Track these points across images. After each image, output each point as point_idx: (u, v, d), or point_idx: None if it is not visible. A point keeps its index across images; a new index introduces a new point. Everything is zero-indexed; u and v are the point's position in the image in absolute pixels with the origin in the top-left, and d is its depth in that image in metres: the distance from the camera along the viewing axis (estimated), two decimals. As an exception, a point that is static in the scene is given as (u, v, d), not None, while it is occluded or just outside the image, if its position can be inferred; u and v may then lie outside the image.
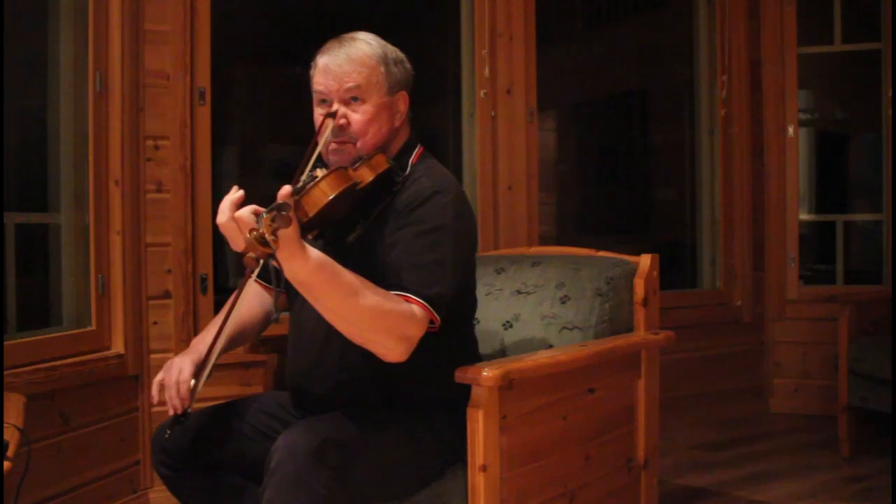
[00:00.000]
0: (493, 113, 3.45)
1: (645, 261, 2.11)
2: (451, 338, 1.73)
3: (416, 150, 1.77)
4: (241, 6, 3.65)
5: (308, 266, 1.37)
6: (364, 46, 1.69)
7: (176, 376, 1.65)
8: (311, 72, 1.72)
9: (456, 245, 1.63)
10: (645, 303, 2.08)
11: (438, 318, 1.57)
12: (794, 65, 4.09)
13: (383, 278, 1.55)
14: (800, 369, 4.08)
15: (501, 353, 2.12)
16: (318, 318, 1.50)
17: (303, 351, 1.77)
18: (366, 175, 1.61)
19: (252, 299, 1.89)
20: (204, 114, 2.86)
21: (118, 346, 2.67)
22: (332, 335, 1.55)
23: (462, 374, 1.58)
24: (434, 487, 1.66)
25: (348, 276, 1.45)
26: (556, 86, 4.68)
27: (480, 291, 1.91)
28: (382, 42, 1.72)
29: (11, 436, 1.60)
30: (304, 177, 1.57)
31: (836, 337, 3.28)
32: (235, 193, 1.39)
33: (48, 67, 2.65)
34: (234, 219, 1.35)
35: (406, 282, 1.55)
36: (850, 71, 4.40)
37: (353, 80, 1.65)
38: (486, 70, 3.43)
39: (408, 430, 1.65)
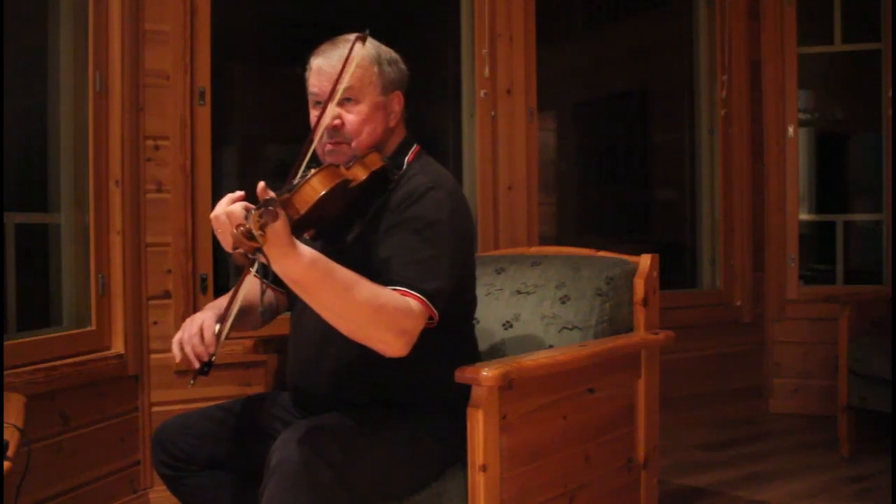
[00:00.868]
0: (493, 113, 3.45)
1: (645, 261, 2.11)
2: (451, 337, 1.73)
3: (413, 149, 1.78)
4: (241, 6, 3.65)
5: (300, 263, 1.37)
6: (357, 47, 1.69)
7: (198, 328, 1.64)
8: (306, 73, 1.73)
9: (452, 240, 1.63)
10: (645, 303, 2.08)
11: (437, 312, 1.56)
12: (794, 65, 4.10)
13: (380, 274, 1.55)
14: (800, 369, 4.08)
15: (501, 353, 2.12)
16: (319, 319, 1.50)
17: (303, 351, 1.77)
18: (359, 173, 1.61)
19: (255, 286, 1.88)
20: (204, 114, 2.86)
21: (118, 346, 2.67)
22: (332, 335, 1.55)
23: (462, 374, 1.58)
24: (434, 487, 1.66)
25: (342, 273, 1.45)
26: (556, 86, 4.68)
27: (480, 291, 1.91)
28: (376, 43, 1.73)
29: (11, 436, 1.60)
30: (297, 177, 1.57)
31: (836, 337, 3.28)
32: (236, 193, 1.40)
33: (48, 67, 2.65)
34: (226, 213, 1.36)
35: (402, 276, 1.54)
36: (850, 71, 4.40)
37: (347, 80, 1.65)
38: (486, 70, 3.43)
39: (408, 430, 1.65)
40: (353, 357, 1.63)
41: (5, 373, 2.15)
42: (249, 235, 1.26)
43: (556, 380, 1.76)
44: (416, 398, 1.70)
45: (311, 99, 1.73)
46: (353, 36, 1.67)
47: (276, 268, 1.37)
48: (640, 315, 2.09)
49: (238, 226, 1.28)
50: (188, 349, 1.63)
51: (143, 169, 2.75)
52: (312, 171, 1.53)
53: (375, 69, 1.69)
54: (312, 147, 1.62)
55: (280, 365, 2.13)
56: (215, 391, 2.75)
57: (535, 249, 2.57)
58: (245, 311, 1.81)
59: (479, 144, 3.44)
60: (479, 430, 1.57)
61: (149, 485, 2.77)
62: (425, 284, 1.55)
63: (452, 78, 3.60)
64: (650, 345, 2.06)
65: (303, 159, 1.59)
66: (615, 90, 5.11)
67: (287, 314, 1.91)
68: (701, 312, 4.02)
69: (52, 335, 2.50)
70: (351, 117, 1.67)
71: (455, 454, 1.65)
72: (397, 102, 1.75)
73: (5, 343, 2.25)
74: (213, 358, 1.62)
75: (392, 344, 1.51)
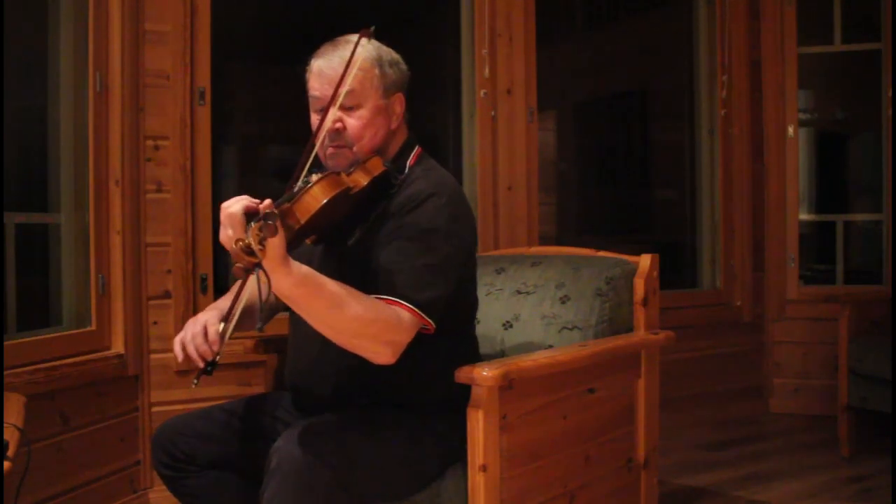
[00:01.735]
0: (493, 113, 3.45)
1: (645, 261, 2.11)
2: (452, 338, 1.73)
3: (414, 151, 1.76)
4: (241, 6, 3.65)
5: (290, 280, 1.37)
6: (358, 49, 1.67)
7: (201, 328, 1.62)
8: (307, 76, 1.70)
9: (450, 248, 1.62)
10: (645, 303, 2.08)
11: (432, 322, 1.56)
12: (794, 65, 4.10)
13: (374, 283, 1.55)
14: (800, 369, 4.08)
15: (501, 353, 2.12)
16: (318, 320, 1.50)
17: (303, 351, 1.77)
18: (360, 179, 1.60)
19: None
20: (204, 114, 2.86)
21: (118, 346, 2.67)
22: (331, 336, 1.55)
23: (461, 374, 1.58)
24: (434, 487, 1.66)
25: (332, 288, 1.44)
26: (556, 86, 4.68)
27: (480, 291, 1.91)
28: (377, 44, 1.69)
29: (11, 436, 1.60)
30: (299, 182, 1.56)
31: (836, 337, 3.28)
32: (252, 201, 1.37)
33: (48, 67, 2.65)
34: (228, 215, 1.34)
35: (395, 286, 1.54)
36: (850, 71, 4.40)
37: (348, 83, 1.63)
38: (486, 70, 3.43)
39: (408, 431, 1.65)
40: (353, 358, 1.62)
41: (5, 373, 2.15)
42: (249, 251, 1.26)
43: (556, 380, 1.76)
44: (416, 399, 1.70)
45: (311, 102, 1.70)
46: (354, 36, 1.65)
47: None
48: (640, 315, 2.09)
49: (238, 241, 1.27)
50: (191, 349, 1.62)
51: (143, 169, 2.75)
52: (314, 177, 1.52)
53: (377, 71, 1.67)
54: (314, 152, 1.61)
55: (280, 365, 2.13)
56: (216, 391, 2.75)
57: (535, 249, 2.57)
58: (247, 312, 1.81)
59: (479, 144, 3.44)
60: (479, 430, 1.57)
61: (149, 485, 2.77)
62: (419, 295, 1.54)
63: (452, 78, 3.60)
64: (650, 345, 2.06)
65: (304, 165, 1.58)
66: (615, 90, 5.12)
67: (287, 314, 1.90)
68: (701, 312, 4.01)
69: (52, 335, 2.50)
70: (352, 121, 1.66)
71: (455, 454, 1.65)
72: (399, 104, 1.73)
73: (5, 343, 2.25)
74: (218, 357, 1.61)
75: (379, 353, 1.52)
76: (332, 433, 1.51)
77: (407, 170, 1.72)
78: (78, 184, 2.65)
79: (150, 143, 2.77)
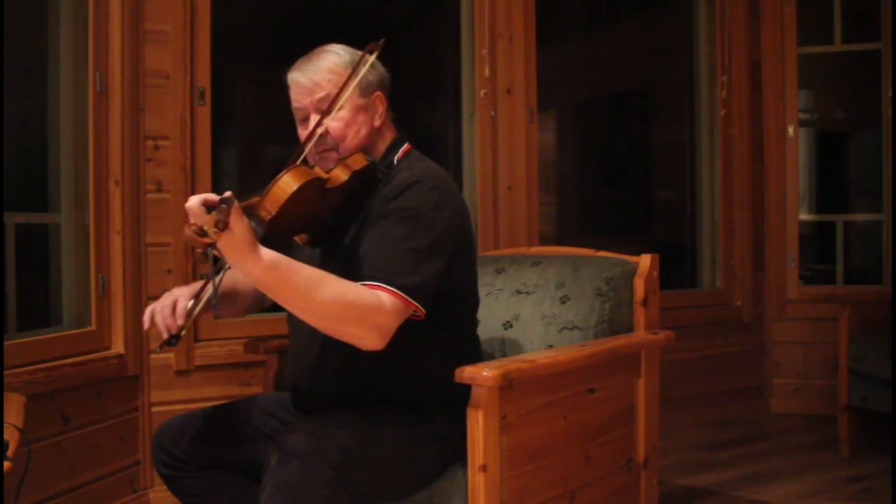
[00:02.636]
0: (493, 113, 3.45)
1: (645, 261, 2.11)
2: (452, 337, 1.73)
3: (403, 147, 1.78)
4: (241, 6, 3.65)
5: (260, 266, 1.38)
6: (332, 56, 1.72)
7: (171, 300, 1.67)
8: (288, 90, 1.75)
9: (435, 233, 1.61)
10: (645, 303, 2.08)
11: (421, 307, 1.56)
12: (794, 65, 4.10)
13: (358, 269, 1.56)
14: (800, 369, 4.08)
15: (501, 353, 2.12)
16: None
17: (302, 351, 1.77)
18: (340, 174, 1.62)
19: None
20: (204, 114, 2.86)
21: (118, 347, 2.67)
22: (330, 336, 1.55)
23: (462, 374, 1.58)
24: (434, 487, 1.66)
25: (306, 272, 1.45)
26: (556, 86, 4.69)
27: (480, 291, 1.90)
28: (352, 49, 1.75)
29: (11, 436, 1.60)
30: None
31: (836, 337, 3.28)
32: (212, 195, 1.39)
33: (48, 67, 2.65)
34: (187, 207, 1.36)
35: (375, 271, 1.54)
36: (850, 71, 4.40)
37: (324, 89, 1.68)
38: (486, 70, 3.43)
39: (408, 430, 1.65)
40: (353, 357, 1.63)
41: (5, 373, 2.15)
42: (201, 232, 1.28)
43: (556, 380, 1.76)
44: (416, 398, 1.70)
45: (296, 115, 1.76)
46: (328, 46, 1.72)
47: (237, 269, 1.39)
48: (640, 315, 2.09)
49: (191, 224, 1.29)
50: (158, 319, 1.67)
51: (143, 169, 2.75)
52: (283, 171, 1.54)
53: (350, 72, 1.70)
54: (302, 156, 1.64)
55: (280, 365, 2.13)
56: (216, 391, 2.75)
57: (535, 249, 2.57)
58: (231, 296, 1.82)
59: (479, 144, 3.44)
60: (479, 430, 1.57)
61: (149, 485, 2.77)
62: (403, 279, 1.54)
63: (452, 78, 3.60)
64: (650, 345, 2.06)
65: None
66: (615, 90, 5.12)
67: (286, 314, 1.90)
68: (701, 312, 4.01)
69: (52, 335, 2.50)
70: (334, 123, 1.69)
71: (455, 454, 1.65)
72: (380, 103, 1.76)
73: (5, 343, 2.25)
74: (183, 332, 1.64)
75: (365, 338, 1.51)
76: (331, 433, 1.51)
77: (395, 164, 1.74)
78: (78, 184, 2.65)
79: (150, 143, 2.77)
